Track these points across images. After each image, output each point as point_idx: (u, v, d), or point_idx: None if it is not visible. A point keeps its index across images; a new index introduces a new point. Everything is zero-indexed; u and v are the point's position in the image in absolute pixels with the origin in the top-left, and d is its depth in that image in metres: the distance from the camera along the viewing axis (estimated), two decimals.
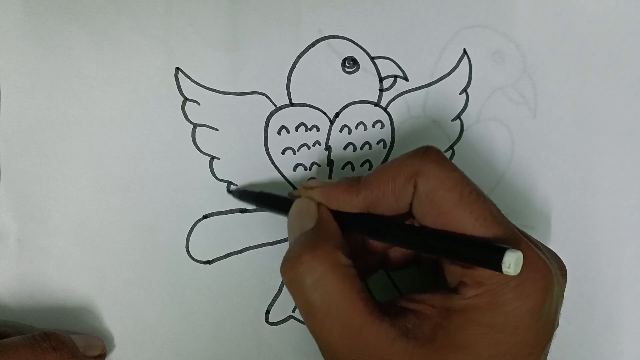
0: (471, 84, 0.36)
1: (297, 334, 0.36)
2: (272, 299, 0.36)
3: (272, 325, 0.36)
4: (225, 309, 0.35)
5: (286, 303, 0.36)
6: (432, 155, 0.29)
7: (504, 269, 0.25)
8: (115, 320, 0.35)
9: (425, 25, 0.35)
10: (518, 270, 0.25)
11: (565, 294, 0.30)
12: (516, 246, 0.26)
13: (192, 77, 0.34)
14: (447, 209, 0.28)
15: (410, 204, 0.29)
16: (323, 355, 0.29)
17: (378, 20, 0.35)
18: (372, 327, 0.27)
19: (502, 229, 0.27)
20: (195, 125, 0.35)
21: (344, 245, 0.29)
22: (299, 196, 0.32)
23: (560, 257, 0.30)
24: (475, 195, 0.28)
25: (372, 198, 0.29)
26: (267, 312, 0.36)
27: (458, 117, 0.36)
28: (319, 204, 0.31)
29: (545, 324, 0.28)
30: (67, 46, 0.34)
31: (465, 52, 0.36)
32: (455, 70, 0.36)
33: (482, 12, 0.35)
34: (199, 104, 0.35)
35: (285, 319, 0.36)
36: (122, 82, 0.34)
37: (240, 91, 0.35)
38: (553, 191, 0.37)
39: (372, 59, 0.35)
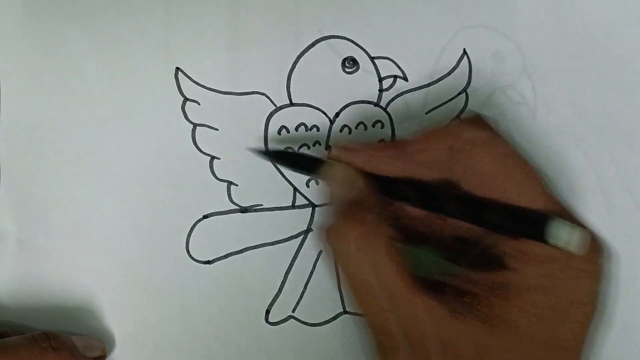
0: (471, 84, 0.36)
1: (297, 334, 0.36)
2: (272, 299, 0.36)
3: (272, 325, 0.36)
4: (225, 309, 0.35)
5: (286, 303, 0.36)
6: (481, 124, 0.28)
7: (571, 246, 0.25)
8: (115, 320, 0.35)
9: (425, 25, 0.35)
10: (584, 249, 0.25)
11: None
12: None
13: (192, 77, 0.34)
14: (499, 182, 0.27)
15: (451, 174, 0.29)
16: (369, 328, 0.28)
17: (378, 20, 0.35)
18: (421, 301, 0.27)
19: (558, 206, 0.27)
20: (195, 125, 0.35)
21: (384, 213, 0.28)
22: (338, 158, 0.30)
23: None
24: (528, 170, 0.28)
25: (414, 163, 0.29)
26: (267, 312, 0.36)
27: (458, 117, 0.36)
28: (355, 169, 0.30)
29: (594, 305, 0.27)
30: (67, 46, 0.34)
31: (465, 52, 0.36)
32: (455, 70, 0.36)
33: (482, 12, 0.35)
34: (199, 104, 0.35)
35: (285, 319, 0.36)
36: (122, 82, 0.34)
37: (240, 91, 0.35)
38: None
39: (372, 59, 0.35)
